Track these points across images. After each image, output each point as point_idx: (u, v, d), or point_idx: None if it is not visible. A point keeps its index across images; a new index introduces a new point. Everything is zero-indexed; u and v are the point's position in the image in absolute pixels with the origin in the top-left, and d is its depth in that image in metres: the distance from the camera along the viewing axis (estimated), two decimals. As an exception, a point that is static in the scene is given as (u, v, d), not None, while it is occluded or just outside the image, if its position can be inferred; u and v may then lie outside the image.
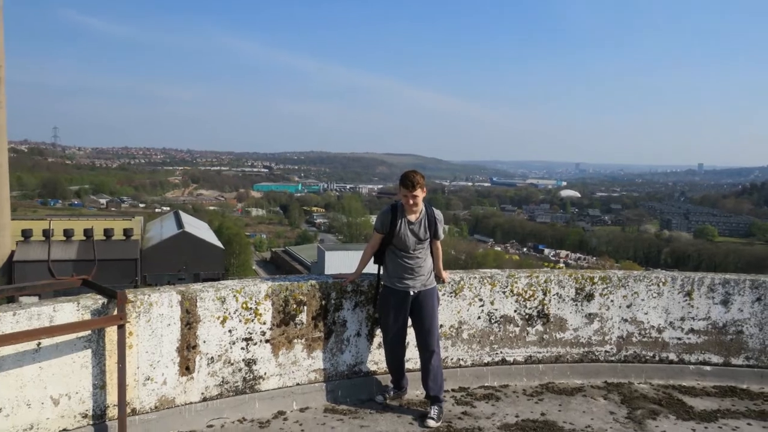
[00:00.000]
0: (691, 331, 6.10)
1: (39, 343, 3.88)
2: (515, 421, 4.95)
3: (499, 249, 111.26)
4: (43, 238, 38.48)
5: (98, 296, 4.21)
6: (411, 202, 4.85)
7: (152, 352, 4.39)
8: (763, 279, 6.11)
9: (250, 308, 4.80)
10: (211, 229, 60.79)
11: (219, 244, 50.26)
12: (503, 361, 5.81)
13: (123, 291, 4.16)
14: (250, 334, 4.82)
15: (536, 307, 5.85)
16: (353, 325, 5.25)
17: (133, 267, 40.86)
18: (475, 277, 5.68)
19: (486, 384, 5.68)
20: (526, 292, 5.80)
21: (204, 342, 4.62)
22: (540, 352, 5.91)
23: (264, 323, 4.87)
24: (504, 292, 5.75)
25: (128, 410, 4.25)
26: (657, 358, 6.10)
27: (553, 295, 5.88)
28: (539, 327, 5.87)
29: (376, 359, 5.37)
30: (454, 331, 5.63)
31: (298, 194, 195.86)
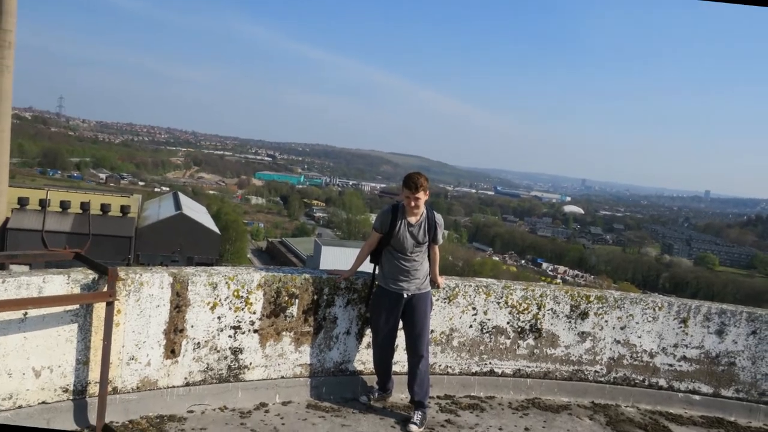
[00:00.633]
0: (684, 358, 6.10)
1: (26, 313, 3.88)
2: (498, 434, 4.95)
3: (497, 259, 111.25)
4: (39, 208, 38.47)
5: (89, 271, 4.21)
6: (412, 203, 4.85)
7: (139, 332, 4.39)
8: (760, 312, 6.11)
9: (241, 297, 4.80)
10: (209, 214, 60.76)
11: (216, 229, 50.24)
12: (491, 372, 5.81)
13: (114, 268, 4.16)
14: (239, 322, 4.82)
15: (529, 321, 5.85)
16: (343, 323, 5.25)
17: (127, 245, 40.83)
18: (471, 286, 5.68)
19: (472, 394, 5.68)
20: (520, 304, 5.80)
21: (192, 326, 4.62)
22: (529, 367, 5.90)
23: (254, 313, 4.87)
24: (498, 303, 5.74)
25: (110, 388, 4.25)
26: (646, 383, 6.10)
27: (548, 310, 5.87)
28: (531, 341, 5.87)
29: (364, 359, 5.37)
30: (445, 337, 5.63)
31: (300, 186, 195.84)
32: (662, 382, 6.11)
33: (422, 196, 4.86)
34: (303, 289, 5.06)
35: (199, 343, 4.67)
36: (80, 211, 38.65)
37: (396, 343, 5.19)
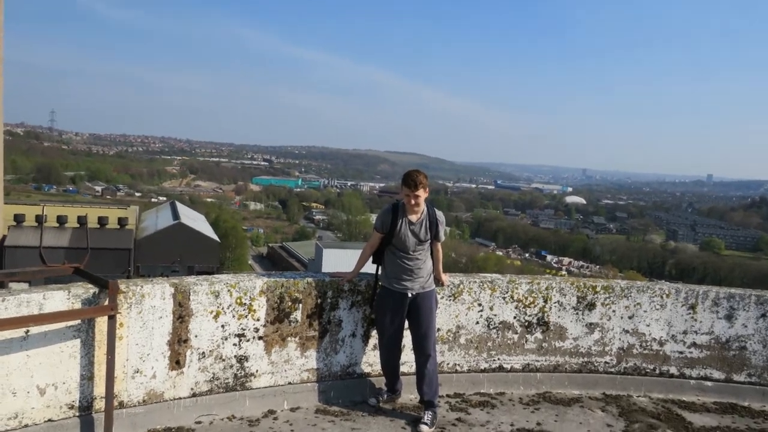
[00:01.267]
0: (694, 345, 6.10)
1: (27, 331, 3.88)
2: (510, 430, 4.95)
3: (500, 253, 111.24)
4: (36, 224, 38.43)
5: (90, 285, 4.21)
6: (413, 202, 4.85)
7: (142, 345, 4.39)
8: (769, 295, 6.11)
9: (245, 304, 4.80)
10: (208, 222, 60.73)
11: (215, 237, 50.22)
12: (500, 368, 5.81)
13: (115, 281, 4.16)
14: (243, 330, 4.82)
15: (536, 315, 5.85)
16: (349, 326, 5.25)
17: (127, 257, 40.81)
18: (475, 282, 5.68)
19: (482, 391, 5.68)
20: (526, 298, 5.80)
21: (196, 336, 4.62)
22: (538, 361, 5.90)
23: (258, 320, 4.87)
24: (504, 298, 5.74)
25: (116, 403, 4.25)
26: (657, 372, 6.10)
27: (554, 302, 5.87)
28: (538, 335, 5.87)
29: (371, 361, 5.37)
30: (452, 335, 5.63)
31: (298, 189, 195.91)
32: (673, 370, 6.11)
33: (422, 194, 4.86)
34: (306, 293, 5.06)
35: (203, 352, 4.67)
36: (77, 225, 38.60)
37: (403, 344, 5.19)
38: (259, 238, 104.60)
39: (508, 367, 5.83)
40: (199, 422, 4.61)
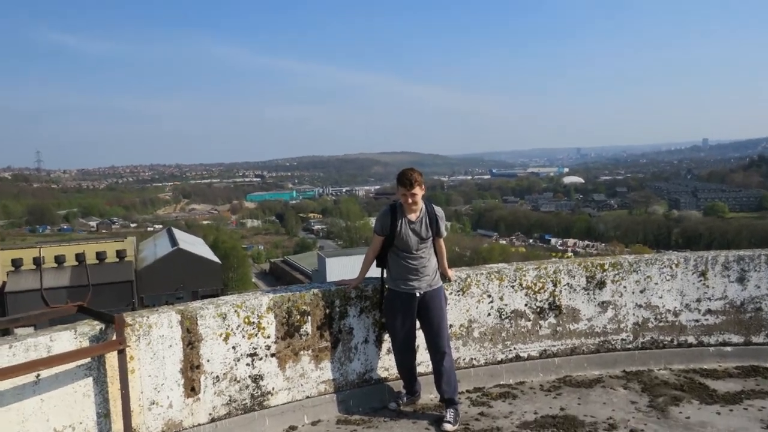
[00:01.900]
0: (709, 311, 6.10)
1: (38, 375, 3.88)
2: (534, 419, 4.96)
3: (504, 242, 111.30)
4: (34, 267, 38.41)
5: (95, 322, 4.21)
6: (410, 200, 4.85)
7: (155, 375, 4.39)
8: (778, 253, 6.12)
9: (253, 322, 4.80)
10: (207, 244, 60.71)
11: (215, 259, 50.20)
12: (517, 358, 5.81)
13: (120, 315, 4.16)
14: (255, 349, 4.82)
15: (547, 300, 5.85)
16: (360, 332, 5.25)
17: (129, 289, 40.78)
18: (482, 273, 5.68)
19: (501, 382, 5.68)
20: (535, 284, 5.81)
21: (208, 361, 4.62)
22: (554, 346, 5.91)
23: (268, 337, 4.87)
24: (513, 287, 5.75)
25: (135, 437, 4.24)
26: (675, 343, 6.10)
27: (564, 285, 5.88)
28: (552, 319, 5.88)
29: (387, 365, 5.37)
30: (465, 330, 5.63)
31: (293, 201, 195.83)
32: (691, 339, 6.11)
33: (419, 192, 4.86)
34: (314, 304, 5.06)
35: (217, 376, 4.67)
36: (76, 263, 38.58)
37: (416, 344, 5.19)
38: (260, 255, 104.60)
39: (525, 355, 5.84)
40: (221, 447, 4.61)
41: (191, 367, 4.54)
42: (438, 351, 5.02)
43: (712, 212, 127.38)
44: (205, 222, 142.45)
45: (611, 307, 6.00)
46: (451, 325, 5.46)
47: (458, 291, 5.57)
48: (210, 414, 4.65)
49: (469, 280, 5.61)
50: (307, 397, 5.07)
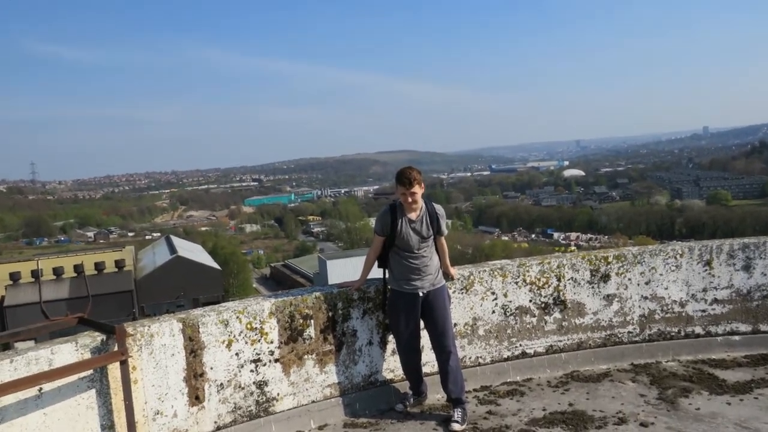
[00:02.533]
0: (715, 301, 6.10)
1: (40, 389, 3.88)
2: (543, 415, 4.96)
3: (506, 238, 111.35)
4: (33, 280, 38.37)
5: (96, 333, 4.21)
6: (410, 199, 4.86)
7: (159, 385, 4.38)
8: (783, 239, 6.12)
9: (255, 328, 4.80)
10: (206, 251, 60.68)
11: (215, 265, 50.19)
12: (523, 354, 5.81)
13: (121, 325, 4.16)
14: (258, 355, 4.82)
15: (552, 295, 5.85)
16: (364, 334, 5.25)
17: (129, 299, 40.77)
18: (485, 270, 5.68)
19: (508, 380, 5.68)
20: (539, 279, 5.81)
21: (211, 368, 4.62)
22: (561, 341, 5.91)
23: (271, 342, 4.87)
24: (516, 283, 5.75)
25: (140, 448, 4.24)
26: (682, 334, 6.10)
27: (568, 279, 5.88)
28: (557, 315, 5.88)
29: (392, 367, 5.37)
30: (469, 328, 5.63)
31: (292, 204, 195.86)
32: (698, 330, 6.11)
33: (418, 190, 4.86)
34: (316, 308, 5.06)
35: (221, 384, 4.67)
36: (75, 275, 38.59)
37: (421, 344, 5.19)
38: (261, 260, 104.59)
39: (531, 351, 5.84)
40: (228, 455, 4.61)
41: (195, 376, 4.54)
42: (443, 350, 5.02)
43: (715, 201, 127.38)
44: (203, 228, 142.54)
45: (617, 300, 6.00)
46: (455, 324, 5.46)
47: (461, 289, 5.57)
48: (215, 422, 4.65)
49: (472, 277, 5.61)
50: (313, 402, 5.07)
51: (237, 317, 4.72)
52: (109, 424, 4.16)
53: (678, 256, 6.07)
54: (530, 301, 5.80)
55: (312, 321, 5.03)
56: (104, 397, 4.14)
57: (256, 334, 4.80)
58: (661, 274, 6.04)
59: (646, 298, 6.04)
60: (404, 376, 5.31)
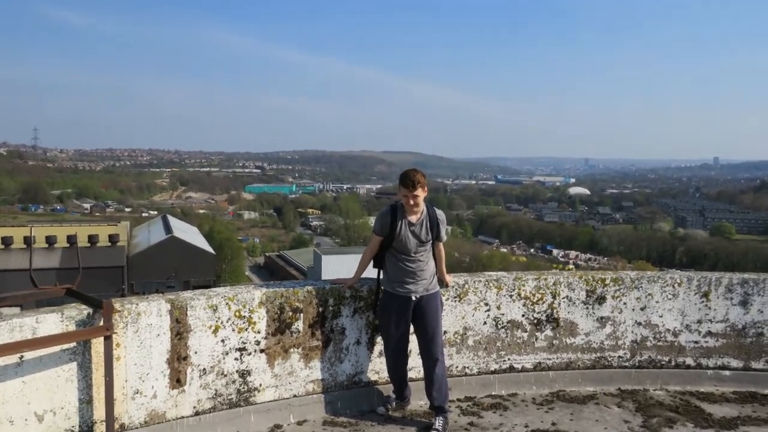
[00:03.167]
0: (709, 333, 6.10)
1: (21, 357, 3.88)
2: (524, 432, 4.96)
3: (505, 250, 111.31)
4: (24, 246, 38.43)
5: (83, 306, 4.21)
6: (411, 202, 4.85)
7: (141, 364, 4.39)
8: (783, 278, 6.12)
9: (244, 316, 4.80)
10: (202, 234, 60.68)
11: (210, 249, 50.19)
12: (511, 369, 5.82)
13: (109, 300, 4.16)
14: (244, 343, 4.82)
15: (545, 311, 5.85)
16: (353, 333, 5.26)
17: (120, 275, 40.78)
18: (480, 281, 5.68)
19: (493, 393, 5.68)
20: (534, 295, 5.81)
21: (195, 353, 4.62)
22: (550, 359, 5.91)
23: (258, 332, 4.88)
24: (511, 296, 5.75)
25: (116, 426, 4.25)
26: (673, 363, 6.10)
27: (563, 298, 5.88)
28: (548, 332, 5.88)
29: (377, 368, 5.37)
30: (459, 337, 5.63)
31: (293, 195, 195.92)
32: (689, 361, 6.11)
33: (421, 193, 4.86)
34: (307, 302, 5.06)
35: (204, 369, 4.67)
36: (67, 245, 38.58)
37: (409, 349, 5.19)
38: (256, 248, 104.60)
39: (519, 366, 5.84)
40: (204, 441, 4.61)
41: (178, 359, 4.54)
42: (431, 357, 5.02)
43: (719, 233, 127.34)
44: (201, 211, 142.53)
45: (610, 323, 6.00)
46: (445, 332, 5.47)
47: (455, 297, 5.57)
48: (194, 407, 4.66)
49: (466, 286, 5.61)
50: (295, 396, 5.07)
51: (226, 303, 4.73)
52: (87, 398, 4.17)
53: (676, 285, 6.07)
54: (523, 315, 5.80)
55: (301, 315, 5.03)
56: (85, 371, 4.14)
57: (244, 323, 4.80)
58: (657, 302, 6.04)
59: (639, 324, 6.04)
60: (389, 379, 5.31)
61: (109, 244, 41.66)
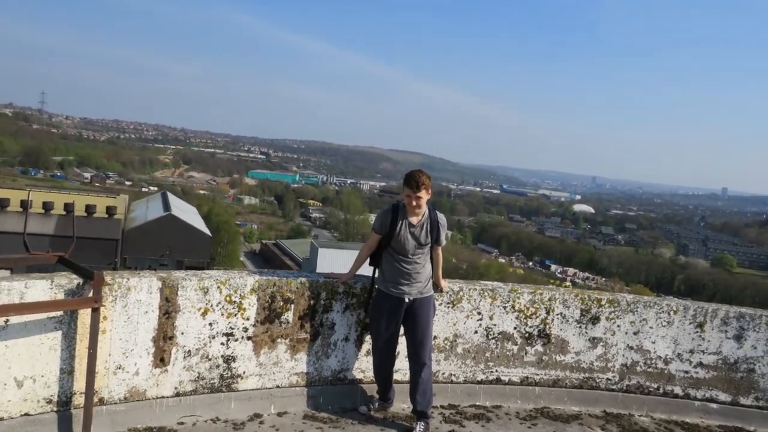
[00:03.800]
0: (700, 364, 6.10)
1: (6, 321, 3.88)
2: (505, 445, 4.95)
3: (503, 261, 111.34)
4: (21, 210, 38.47)
5: (74, 276, 4.21)
6: (414, 203, 4.85)
7: (126, 340, 4.39)
8: (780, 316, 6.11)
9: (234, 302, 4.80)
10: (200, 215, 60.79)
11: (207, 231, 50.26)
12: (498, 381, 5.81)
13: (100, 272, 4.16)
14: (232, 329, 4.82)
15: (538, 326, 5.85)
16: (342, 329, 5.25)
17: (114, 248, 40.83)
18: (476, 289, 5.68)
19: (477, 403, 5.68)
20: (528, 309, 5.80)
21: (182, 334, 4.62)
22: (538, 374, 5.90)
23: (247, 319, 4.87)
24: (505, 308, 5.74)
25: (96, 399, 4.25)
26: (661, 391, 6.10)
27: (557, 314, 5.87)
28: (539, 347, 5.87)
29: (363, 367, 5.37)
30: (449, 344, 5.63)
31: (295, 185, 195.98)
32: (678, 390, 6.11)
33: (424, 195, 4.86)
34: (299, 293, 5.06)
35: (189, 351, 4.67)
36: (64, 213, 38.65)
37: (397, 350, 5.18)
38: (253, 234, 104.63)
39: (506, 379, 5.83)
40: (182, 423, 4.61)
41: (164, 338, 4.54)
42: (418, 361, 5.02)
43: (720, 264, 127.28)
44: (201, 192, 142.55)
45: (602, 344, 5.99)
46: (435, 337, 5.46)
47: (448, 303, 5.57)
48: (176, 388, 4.66)
49: (461, 293, 5.61)
50: (277, 387, 5.07)
51: (218, 287, 4.72)
52: (68, 369, 4.17)
53: (671, 313, 6.06)
54: (515, 328, 5.80)
55: (292, 306, 5.03)
56: (69, 341, 4.14)
57: (233, 308, 4.80)
58: (651, 327, 6.03)
59: (631, 348, 6.04)
60: (374, 379, 5.30)
61: (106, 215, 41.71)
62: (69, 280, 4.14)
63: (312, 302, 5.11)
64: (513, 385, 5.84)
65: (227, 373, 4.86)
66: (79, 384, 4.19)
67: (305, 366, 5.16)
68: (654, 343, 6.05)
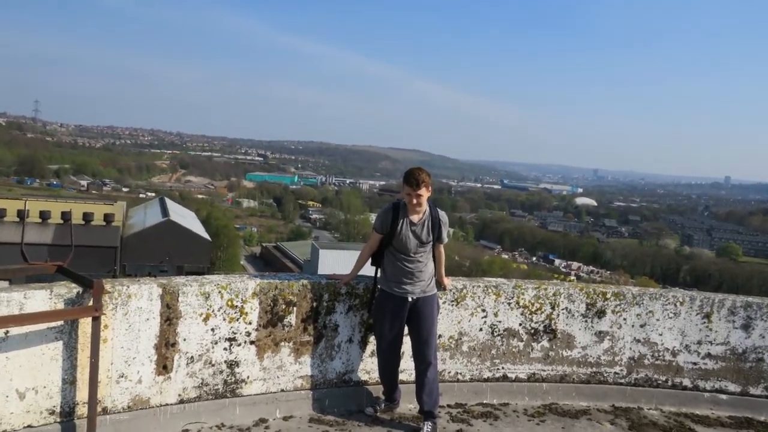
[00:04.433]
0: (708, 356, 6.10)
1: (7, 332, 3.88)
2: (514, 443, 4.95)
3: (506, 257, 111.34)
4: (18, 220, 38.46)
5: (73, 285, 4.21)
6: (414, 201, 4.85)
7: (128, 348, 4.39)
8: (788, 304, 6.11)
9: (236, 306, 4.80)
10: (198, 219, 60.72)
11: (206, 235, 50.22)
12: (504, 378, 5.81)
13: (100, 280, 4.15)
14: (234, 334, 4.82)
15: (543, 322, 5.85)
16: (345, 331, 5.25)
17: (113, 255, 40.80)
18: (479, 286, 5.68)
19: (485, 401, 5.68)
20: (532, 304, 5.80)
21: (184, 340, 4.62)
22: (544, 370, 5.90)
23: (249, 323, 4.87)
24: (509, 304, 5.74)
25: (99, 409, 4.25)
26: (670, 383, 6.10)
27: (562, 309, 5.87)
28: (545, 343, 5.87)
29: (368, 368, 5.37)
30: (454, 342, 5.63)
31: (294, 186, 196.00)
32: (686, 382, 6.11)
33: (424, 193, 4.85)
34: (301, 296, 5.06)
35: (192, 357, 4.67)
36: (61, 222, 38.62)
37: (402, 350, 5.19)
38: (253, 238, 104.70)
39: (513, 376, 5.84)
40: (187, 430, 4.61)
41: (166, 345, 4.54)
42: (423, 360, 5.02)
43: (725, 253, 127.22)
44: (199, 196, 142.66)
45: (608, 338, 5.99)
46: (440, 336, 5.46)
47: (452, 301, 5.57)
48: (179, 395, 4.66)
49: (464, 291, 5.61)
50: (282, 391, 5.07)
51: (219, 292, 4.72)
52: (70, 379, 4.17)
53: (678, 304, 6.06)
54: (520, 324, 5.79)
55: (295, 308, 5.03)
56: (71, 351, 4.14)
57: (235, 312, 4.80)
58: (657, 320, 6.03)
59: (638, 341, 6.03)
60: (379, 380, 5.30)
61: (104, 223, 41.69)
62: (68, 289, 4.14)
63: (314, 304, 5.10)
64: (520, 382, 5.84)
65: (231, 379, 4.86)
66: (82, 394, 4.19)
67: (310, 369, 5.16)
68: (661, 335, 6.05)
